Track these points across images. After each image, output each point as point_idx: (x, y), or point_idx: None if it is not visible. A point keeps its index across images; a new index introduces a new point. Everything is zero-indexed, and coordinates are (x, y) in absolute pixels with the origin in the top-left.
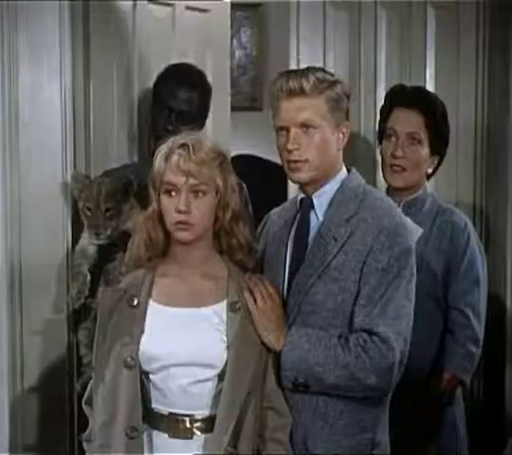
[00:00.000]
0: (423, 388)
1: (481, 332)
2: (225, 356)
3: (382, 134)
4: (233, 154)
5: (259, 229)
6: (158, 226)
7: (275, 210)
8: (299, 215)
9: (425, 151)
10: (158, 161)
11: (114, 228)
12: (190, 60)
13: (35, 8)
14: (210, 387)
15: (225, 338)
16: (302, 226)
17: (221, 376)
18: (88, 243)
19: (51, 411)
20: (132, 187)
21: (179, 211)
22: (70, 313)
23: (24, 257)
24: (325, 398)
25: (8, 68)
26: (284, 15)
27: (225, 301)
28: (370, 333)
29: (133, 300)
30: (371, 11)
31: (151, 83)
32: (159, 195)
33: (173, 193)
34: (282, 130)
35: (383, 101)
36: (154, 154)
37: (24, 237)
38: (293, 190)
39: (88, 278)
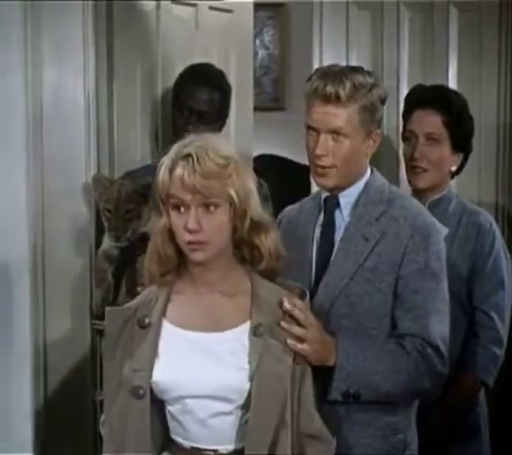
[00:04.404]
0: (445, 389)
1: (505, 334)
2: (247, 387)
3: (404, 135)
4: (256, 153)
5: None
6: (169, 242)
7: (291, 208)
8: (323, 214)
9: (445, 150)
10: (162, 174)
11: (134, 231)
12: (213, 60)
13: (59, 8)
14: (232, 420)
15: (247, 367)
16: (328, 225)
17: (245, 406)
18: (110, 245)
19: (73, 420)
20: (152, 188)
21: (189, 230)
22: (94, 318)
23: (47, 259)
24: (357, 406)
25: (32, 69)
26: (307, 15)
27: (247, 324)
28: (422, 339)
29: (144, 320)
30: (393, 11)
31: (173, 83)
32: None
33: (182, 209)
34: (312, 130)
35: (404, 103)
36: None
37: (47, 239)
38: (315, 190)
39: (112, 285)
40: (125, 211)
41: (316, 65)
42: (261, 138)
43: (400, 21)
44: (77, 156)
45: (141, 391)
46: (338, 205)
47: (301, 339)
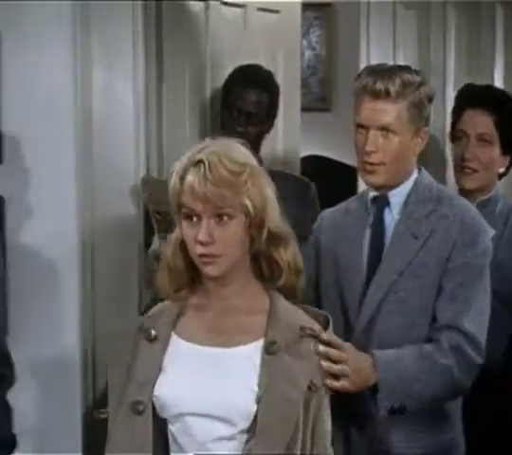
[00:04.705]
0: (491, 389)
1: None
2: (253, 410)
3: (454, 135)
4: (303, 154)
5: (314, 229)
6: (179, 254)
7: (333, 210)
8: (372, 214)
9: (496, 151)
10: (173, 181)
11: None
12: (261, 60)
13: (108, 9)
14: (234, 446)
15: (255, 387)
16: (378, 224)
17: (249, 431)
18: (159, 246)
19: None
20: None
21: (201, 242)
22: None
23: (96, 260)
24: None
25: (81, 70)
26: (354, 15)
27: (261, 341)
28: (458, 331)
29: (150, 333)
30: (440, 10)
31: (221, 84)
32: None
33: (194, 219)
34: (361, 128)
35: (454, 102)
36: None
37: (96, 240)
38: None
39: None
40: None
41: (363, 66)
42: (307, 139)
43: (447, 20)
44: (126, 158)
45: (141, 407)
46: (387, 204)
47: (337, 376)
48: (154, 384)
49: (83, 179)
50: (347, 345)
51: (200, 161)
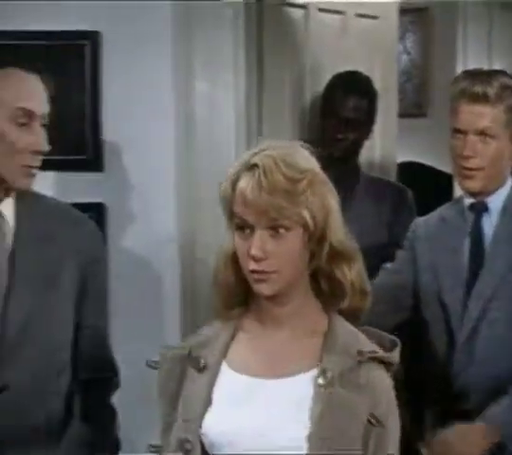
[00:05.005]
0: None
1: None
2: (305, 446)
3: None
4: (399, 160)
5: (409, 237)
6: (231, 268)
7: (427, 218)
8: (470, 221)
9: None
10: (224, 187)
11: None
12: (359, 66)
13: (210, 19)
14: None
15: (308, 422)
16: (477, 231)
17: None
18: None
19: None
20: None
21: (253, 257)
22: None
23: (197, 265)
24: None
25: (184, 81)
26: (450, 19)
27: (315, 369)
28: None
29: (199, 362)
30: None
31: (321, 91)
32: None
33: (247, 231)
34: (458, 133)
35: None
36: (321, 163)
37: (198, 246)
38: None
39: None
40: None
41: (459, 70)
42: (402, 145)
43: None
44: (226, 166)
45: (189, 446)
46: (485, 210)
47: None
48: (201, 420)
49: (184, 186)
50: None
51: (254, 165)
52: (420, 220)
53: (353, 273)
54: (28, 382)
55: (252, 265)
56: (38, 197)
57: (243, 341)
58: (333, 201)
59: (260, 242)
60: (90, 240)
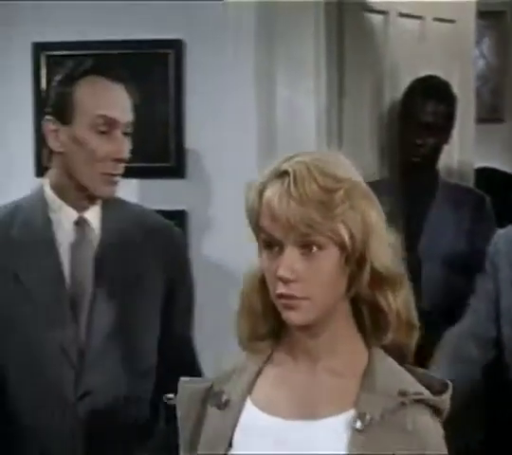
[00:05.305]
0: None
1: None
2: None
3: None
4: (476, 166)
5: (491, 250)
6: (258, 292)
7: (510, 229)
8: None
9: None
10: (251, 197)
11: None
12: (437, 71)
13: (291, 25)
14: None
15: None
16: None
17: None
18: None
19: None
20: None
21: (281, 279)
22: None
23: None
24: None
25: (265, 88)
26: None
27: (351, 412)
28: None
29: (221, 398)
30: None
31: (400, 96)
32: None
33: (276, 248)
34: None
35: None
36: (400, 169)
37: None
38: None
39: None
40: None
41: None
42: (479, 150)
43: None
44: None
45: None
46: None
47: None
48: None
49: None
50: None
51: (285, 172)
52: (502, 232)
53: (398, 302)
54: (110, 387)
55: (280, 289)
56: (124, 204)
57: (271, 376)
58: (376, 218)
59: (289, 261)
60: (176, 247)
